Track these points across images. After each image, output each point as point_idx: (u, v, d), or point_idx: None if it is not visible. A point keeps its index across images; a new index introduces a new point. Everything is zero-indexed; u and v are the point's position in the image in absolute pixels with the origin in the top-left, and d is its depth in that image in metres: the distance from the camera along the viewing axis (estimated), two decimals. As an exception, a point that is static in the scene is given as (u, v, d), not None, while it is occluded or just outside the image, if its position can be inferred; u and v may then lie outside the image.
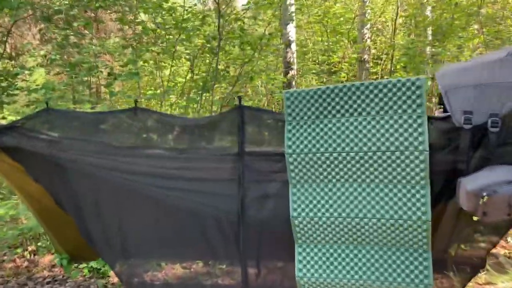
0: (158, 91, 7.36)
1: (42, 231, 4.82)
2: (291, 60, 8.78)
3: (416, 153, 2.19)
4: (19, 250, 5.33)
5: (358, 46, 9.48)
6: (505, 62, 2.00)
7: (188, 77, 7.27)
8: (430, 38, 8.58)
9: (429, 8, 8.80)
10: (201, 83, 6.11)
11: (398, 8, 9.09)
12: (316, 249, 2.50)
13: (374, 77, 10.47)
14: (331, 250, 2.47)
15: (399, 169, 2.25)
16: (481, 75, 2.00)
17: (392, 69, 9.30)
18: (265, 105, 9.09)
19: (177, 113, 6.68)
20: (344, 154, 2.33)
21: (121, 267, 3.24)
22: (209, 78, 6.20)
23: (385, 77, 9.82)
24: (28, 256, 5.32)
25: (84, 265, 4.76)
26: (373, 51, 9.90)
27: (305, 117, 2.41)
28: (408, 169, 2.22)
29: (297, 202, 2.46)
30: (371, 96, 2.27)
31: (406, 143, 2.21)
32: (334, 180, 2.39)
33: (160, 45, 6.85)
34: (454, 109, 2.00)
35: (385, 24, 10.70)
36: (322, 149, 2.37)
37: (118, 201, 3.01)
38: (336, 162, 2.35)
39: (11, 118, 4.87)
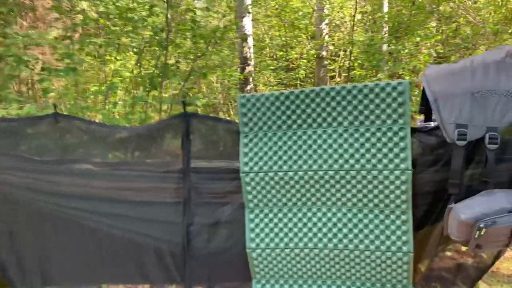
0: (103, 87, 6.68)
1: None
2: (248, 55, 8.33)
3: (397, 173, 1.82)
4: None
5: (316, 42, 9.18)
6: (503, 65, 1.66)
7: (135, 72, 6.64)
8: (386, 35, 8.42)
9: (387, 4, 8.65)
10: (148, 79, 5.52)
11: (356, 3, 8.86)
12: (278, 285, 2.08)
13: (331, 74, 10.26)
14: (295, 287, 2.06)
15: (376, 191, 1.87)
16: (476, 80, 1.65)
17: (350, 66, 9.09)
18: (221, 103, 8.61)
19: (121, 112, 6.06)
20: (310, 173, 1.92)
21: None
22: (156, 73, 5.62)
23: (343, 75, 9.61)
24: None
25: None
26: (331, 47, 9.65)
27: (265, 128, 1.97)
28: (386, 191, 1.85)
29: (255, 230, 2.03)
30: (344, 103, 1.87)
31: (385, 161, 1.83)
32: (299, 204, 1.98)
33: (104, 37, 6.17)
34: (446, 122, 1.64)
35: (343, 20, 10.48)
36: (285, 167, 1.95)
37: (39, 225, 2.45)
38: (301, 182, 1.94)
39: None
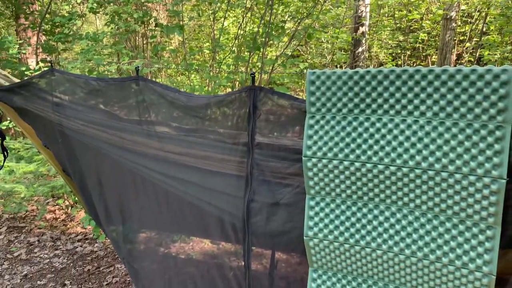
0: (209, 44, 6.85)
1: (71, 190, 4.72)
2: (363, 14, 7.73)
3: (487, 180, 1.49)
4: (60, 201, 5.36)
5: (445, 0, 8.08)
6: None
7: (240, 32, 6.63)
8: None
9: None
10: (250, 38, 5.46)
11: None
12: (335, 278, 1.94)
13: (461, 38, 9.03)
14: (354, 284, 1.90)
15: (457, 198, 1.57)
16: None
17: (484, 30, 7.86)
18: (329, 65, 8.23)
19: (224, 72, 6.16)
20: (381, 166, 1.68)
21: (147, 235, 2.97)
22: (261, 32, 5.52)
23: (474, 40, 8.39)
24: (66, 210, 5.36)
25: (114, 227, 4.64)
26: (463, 7, 8.40)
27: (334, 110, 1.77)
28: (471, 200, 1.54)
29: (314, 219, 1.89)
30: (429, 89, 1.56)
31: (473, 164, 1.51)
32: (365, 199, 1.77)
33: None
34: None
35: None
36: (352, 156, 1.74)
37: (122, 178, 2.65)
38: (369, 176, 1.72)
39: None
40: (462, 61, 8.45)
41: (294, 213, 1.98)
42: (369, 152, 1.70)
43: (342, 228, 1.83)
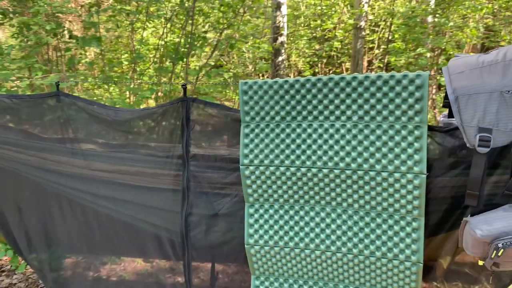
0: (127, 56, 6.64)
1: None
2: (281, 24, 8.02)
3: (410, 176, 1.63)
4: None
5: (354, 11, 8.67)
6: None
7: (161, 43, 6.52)
8: (433, 6, 7.81)
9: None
10: (172, 49, 5.39)
11: (400, -30, 8.23)
12: (277, 283, 1.97)
13: (369, 46, 9.75)
14: (296, 286, 1.95)
15: (385, 194, 1.69)
16: (508, 77, 1.40)
17: (390, 38, 8.56)
18: (252, 74, 8.40)
19: (145, 83, 6.01)
20: (314, 170, 1.76)
21: (73, 261, 2.76)
22: (182, 43, 5.49)
23: (382, 47, 9.10)
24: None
25: (37, 255, 4.26)
26: (370, 17, 9.09)
27: (267, 118, 1.81)
28: (397, 195, 1.67)
29: (254, 226, 1.91)
30: (354, 95, 1.67)
31: (396, 162, 1.64)
32: (301, 202, 1.84)
33: (133, 5, 6.06)
34: (467, 124, 1.42)
35: (385, -13, 9.82)
36: (287, 162, 1.80)
37: (44, 201, 2.46)
38: (304, 179, 1.79)
39: None
40: (373, 67, 9.12)
41: (234, 222, 1.99)
42: (303, 157, 1.77)
43: (281, 233, 1.88)
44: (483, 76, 1.43)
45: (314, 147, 1.75)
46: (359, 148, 1.68)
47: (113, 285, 2.79)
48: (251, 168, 1.84)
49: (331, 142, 1.72)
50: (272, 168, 1.82)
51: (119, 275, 2.99)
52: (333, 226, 1.80)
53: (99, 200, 2.21)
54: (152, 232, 2.17)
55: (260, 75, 8.75)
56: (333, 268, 1.85)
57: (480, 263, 1.78)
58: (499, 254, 1.37)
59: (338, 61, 9.51)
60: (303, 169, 1.77)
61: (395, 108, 1.61)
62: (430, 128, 1.61)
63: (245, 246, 1.93)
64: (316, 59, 9.34)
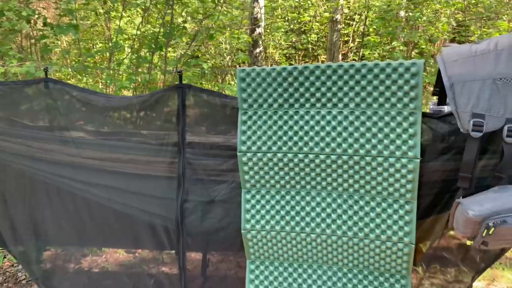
0: (107, 45, 6.48)
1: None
2: (259, 16, 8.03)
3: (404, 160, 1.69)
4: None
5: (330, 4, 8.78)
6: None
7: (139, 32, 6.41)
8: (404, 0, 8.01)
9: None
10: (153, 39, 5.32)
11: (375, -36, 8.38)
12: (272, 267, 2.02)
13: (345, 39, 9.90)
14: (290, 269, 2.00)
15: (379, 179, 1.75)
16: (499, 65, 1.48)
17: (365, 31, 8.73)
18: (229, 65, 8.38)
19: (126, 72, 5.90)
20: (311, 156, 1.80)
21: (52, 253, 2.71)
22: (162, 33, 5.41)
23: (357, 40, 9.26)
24: None
25: (23, 247, 4.14)
26: (346, 11, 9.23)
27: (265, 105, 1.84)
28: (391, 179, 1.74)
29: (250, 211, 1.95)
30: (351, 82, 1.72)
31: (391, 147, 1.70)
32: (298, 187, 1.88)
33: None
34: (461, 110, 1.50)
35: (360, -19, 9.96)
36: (284, 148, 1.83)
37: (30, 191, 2.40)
38: (301, 165, 1.83)
39: None
40: (348, 60, 9.28)
41: (230, 208, 2.01)
42: (300, 143, 1.81)
43: (278, 218, 1.92)
44: (476, 64, 1.50)
45: (311, 133, 1.79)
46: (356, 134, 1.74)
47: (100, 275, 2.77)
48: (249, 154, 1.87)
49: (328, 128, 1.77)
50: (269, 155, 1.85)
51: (101, 266, 2.97)
52: (328, 210, 1.86)
53: (91, 188, 2.18)
54: (145, 220, 2.17)
55: (238, 66, 8.75)
56: (327, 251, 1.91)
57: (468, 243, 1.88)
58: (490, 232, 1.46)
59: (314, 54, 9.62)
60: (300, 155, 1.81)
61: (391, 95, 1.67)
62: (424, 115, 1.68)
63: (242, 231, 1.96)
64: (292, 51, 9.41)
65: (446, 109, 1.84)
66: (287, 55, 10.01)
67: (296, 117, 1.81)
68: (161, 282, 2.42)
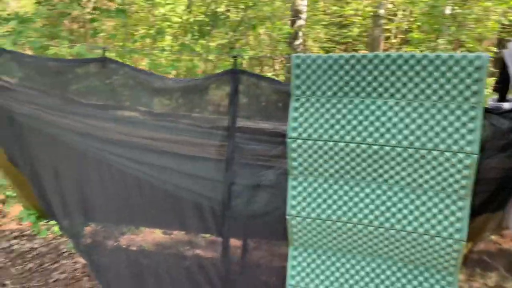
0: (151, 31, 6.61)
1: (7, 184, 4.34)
2: (301, 8, 7.96)
3: (461, 155, 1.66)
4: (-13, 197, 4.89)
5: (374, -2, 8.59)
6: None
7: (184, 18, 6.50)
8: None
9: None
10: (196, 27, 5.38)
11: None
12: (315, 255, 2.03)
13: (387, 34, 9.67)
14: (333, 259, 2.00)
15: (433, 173, 1.72)
16: None
17: (408, 27, 8.50)
18: (267, 56, 8.36)
19: (168, 59, 6.00)
20: (364, 146, 1.79)
21: (92, 229, 2.82)
22: (206, 21, 5.47)
23: (399, 36, 9.04)
24: (-4, 205, 4.91)
25: (55, 222, 4.34)
26: (389, 5, 9.01)
27: (318, 93, 1.84)
28: (446, 174, 1.70)
29: (296, 198, 1.96)
30: (411, 73, 1.69)
31: (449, 141, 1.67)
32: (347, 177, 1.87)
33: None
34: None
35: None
36: (336, 137, 1.83)
37: (82, 167, 2.50)
38: (352, 155, 1.82)
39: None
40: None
41: (276, 194, 2.03)
42: (353, 133, 1.80)
43: (324, 206, 1.92)
44: None
45: (365, 123, 1.78)
46: (412, 126, 1.71)
47: (133, 254, 2.85)
48: (299, 141, 1.88)
49: (383, 119, 1.75)
50: (320, 143, 1.85)
51: (139, 245, 3.06)
52: (377, 202, 1.84)
53: (141, 167, 2.25)
54: (193, 200, 2.21)
55: (276, 59, 8.72)
56: (373, 242, 1.90)
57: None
58: None
59: (354, 48, 9.47)
60: (352, 145, 1.80)
61: (452, 88, 1.63)
62: (485, 110, 1.63)
63: (287, 217, 1.98)
64: (331, 45, 9.29)
65: (505, 105, 1.78)
66: (325, 48, 9.89)
67: (350, 106, 1.79)
68: (196, 265, 2.48)
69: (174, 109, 2.21)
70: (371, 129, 1.77)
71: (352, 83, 1.78)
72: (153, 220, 2.45)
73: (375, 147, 1.77)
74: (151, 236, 3.36)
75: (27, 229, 4.46)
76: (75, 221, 2.71)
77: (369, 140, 1.77)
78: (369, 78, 1.75)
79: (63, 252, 4.07)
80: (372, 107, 1.76)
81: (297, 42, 8.10)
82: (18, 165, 2.65)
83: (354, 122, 1.79)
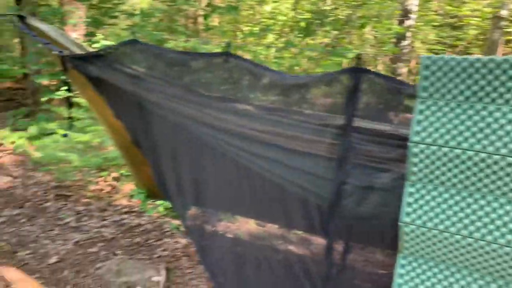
0: (257, 28, 6.80)
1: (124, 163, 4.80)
2: (411, 7, 7.59)
3: None
4: (104, 174, 5.45)
5: (496, -2, 7.86)
6: None
7: (289, 16, 6.57)
8: None
9: None
10: (304, 24, 5.41)
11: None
12: (426, 266, 1.93)
13: (507, 38, 8.80)
14: (446, 272, 1.89)
15: None
16: None
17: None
18: (371, 56, 8.10)
19: (272, 55, 6.13)
20: (496, 157, 1.66)
21: (194, 213, 3.02)
22: (313, 19, 5.47)
23: (524, 40, 8.15)
24: (111, 182, 5.45)
25: (161, 202, 4.69)
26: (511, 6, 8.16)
27: (448, 96, 1.74)
28: None
29: (412, 205, 1.88)
30: (562, 81, 1.52)
31: None
32: (472, 188, 1.75)
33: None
34: None
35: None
36: (464, 145, 1.71)
37: (197, 153, 2.68)
38: (481, 165, 1.69)
39: (105, 42, 4.72)
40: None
41: (389, 198, 1.97)
42: (484, 142, 1.67)
43: (443, 216, 1.82)
44: None
45: (500, 132, 1.64)
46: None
47: (229, 241, 2.97)
48: (421, 146, 1.80)
49: (522, 129, 1.60)
50: (445, 149, 1.75)
51: (235, 233, 3.17)
52: (505, 218, 1.69)
53: (254, 158, 2.33)
54: (299, 195, 2.24)
55: (379, 59, 8.42)
56: (496, 262, 1.75)
57: None
58: None
59: (467, 52, 8.77)
60: (482, 155, 1.68)
61: None
62: None
63: (399, 223, 1.91)
64: (442, 48, 8.70)
65: None
66: (434, 50, 9.30)
67: (483, 113, 1.67)
68: (295, 260, 2.51)
69: (287, 105, 2.25)
70: (506, 139, 1.63)
71: (488, 88, 1.65)
72: (261, 210, 2.53)
73: (510, 159, 1.63)
74: (245, 226, 3.47)
75: (136, 206, 4.89)
76: (186, 202, 2.91)
77: (503, 151, 1.64)
78: (509, 84, 1.61)
79: (166, 231, 4.38)
80: (510, 115, 1.62)
81: (404, 43, 7.74)
82: (142, 147, 2.92)
83: (487, 130, 1.66)
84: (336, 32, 6.39)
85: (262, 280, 2.61)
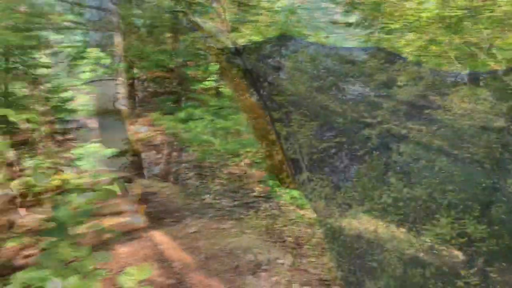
0: (397, 25, 6.54)
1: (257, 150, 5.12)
2: None
3: None
4: (237, 159, 5.89)
5: None
6: None
7: (435, 12, 6.16)
8: None
9: None
10: (454, 20, 5.02)
11: None
12: None
13: None
14: None
15: None
16: None
17: None
18: None
19: (409, 53, 5.85)
20: None
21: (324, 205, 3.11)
22: (466, 15, 5.05)
23: None
24: (243, 167, 5.86)
25: (288, 191, 4.90)
26: None
27: None
28: None
29: None
30: None
31: None
32: None
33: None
34: None
35: None
36: None
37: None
38: None
39: (253, 37, 5.07)
40: None
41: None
42: None
43: None
44: None
45: None
46: None
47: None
48: None
49: None
50: None
51: (363, 230, 3.14)
52: None
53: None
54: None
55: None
56: None
57: None
58: None
59: None
60: None
61: None
62: None
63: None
64: None
65: None
66: None
67: None
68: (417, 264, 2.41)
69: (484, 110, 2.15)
70: None
71: None
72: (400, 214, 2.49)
73: None
74: (373, 225, 3.42)
75: (265, 192, 5.19)
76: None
77: None
78: None
79: (292, 219, 4.57)
80: None
81: None
82: (279, 137, 3.10)
83: None
84: (488, 30, 5.79)
85: (385, 276, 2.58)
